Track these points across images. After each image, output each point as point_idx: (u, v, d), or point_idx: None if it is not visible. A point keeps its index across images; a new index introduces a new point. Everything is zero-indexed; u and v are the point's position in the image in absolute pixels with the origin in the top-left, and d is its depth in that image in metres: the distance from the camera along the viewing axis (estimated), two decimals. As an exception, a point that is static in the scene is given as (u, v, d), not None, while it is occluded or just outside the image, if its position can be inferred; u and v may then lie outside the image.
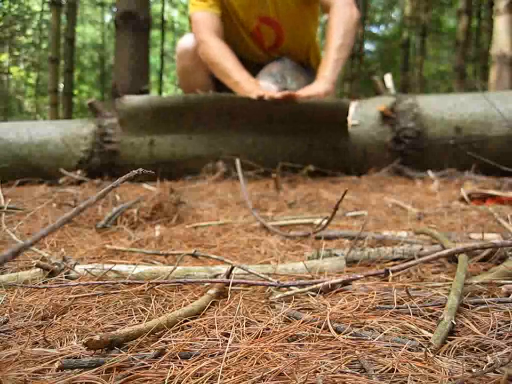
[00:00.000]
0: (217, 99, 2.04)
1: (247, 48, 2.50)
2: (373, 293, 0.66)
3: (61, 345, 0.54)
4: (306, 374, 0.44)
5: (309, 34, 2.45)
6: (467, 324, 0.56)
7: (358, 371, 0.45)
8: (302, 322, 0.57)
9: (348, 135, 2.10)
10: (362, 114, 2.17)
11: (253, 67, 2.52)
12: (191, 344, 0.53)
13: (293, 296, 0.67)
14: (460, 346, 0.50)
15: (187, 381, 0.45)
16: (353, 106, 2.19)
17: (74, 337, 0.56)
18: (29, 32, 10.76)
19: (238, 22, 2.38)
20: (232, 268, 0.73)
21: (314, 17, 2.43)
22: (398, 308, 0.61)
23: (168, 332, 0.56)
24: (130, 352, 0.51)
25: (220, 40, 2.21)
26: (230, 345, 0.51)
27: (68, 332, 0.58)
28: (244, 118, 2.06)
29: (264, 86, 2.18)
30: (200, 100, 2.04)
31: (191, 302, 0.65)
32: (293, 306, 0.64)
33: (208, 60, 2.21)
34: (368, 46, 14.56)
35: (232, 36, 2.48)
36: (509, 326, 0.55)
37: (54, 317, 0.63)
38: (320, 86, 2.01)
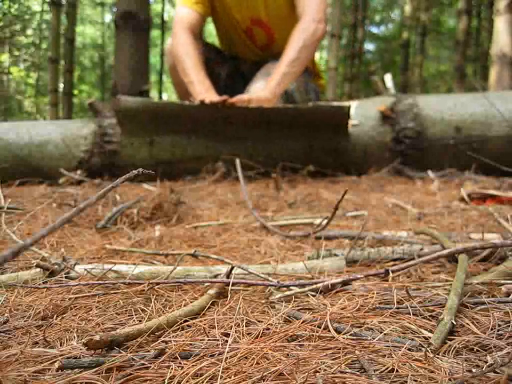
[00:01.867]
0: (212, 107, 2.03)
1: (244, 44, 2.52)
2: (373, 293, 0.66)
3: (61, 345, 0.54)
4: (306, 374, 0.44)
5: None
6: (467, 324, 0.56)
7: (358, 371, 0.45)
8: (302, 322, 0.57)
9: (348, 135, 2.10)
10: (362, 114, 2.17)
11: (250, 65, 2.54)
12: (191, 344, 0.53)
13: (293, 296, 0.67)
14: (460, 346, 0.50)
15: (187, 381, 0.45)
16: (353, 107, 2.19)
17: (74, 337, 0.56)
18: (29, 32, 10.75)
19: (233, 20, 2.41)
20: (232, 268, 0.73)
21: None
22: (398, 308, 0.61)
23: (168, 332, 0.56)
24: (130, 352, 0.51)
25: (190, 38, 2.23)
26: (230, 345, 0.51)
27: (68, 332, 0.58)
28: (241, 123, 2.05)
29: (261, 87, 2.19)
30: (195, 107, 2.01)
31: (191, 302, 0.65)
32: (293, 306, 0.64)
33: (174, 55, 2.25)
34: (368, 46, 14.56)
35: (229, 32, 2.50)
36: (509, 326, 0.55)
37: (54, 317, 0.63)
38: (261, 93, 2.05)
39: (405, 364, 0.46)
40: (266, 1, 2.31)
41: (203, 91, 2.06)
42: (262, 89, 2.08)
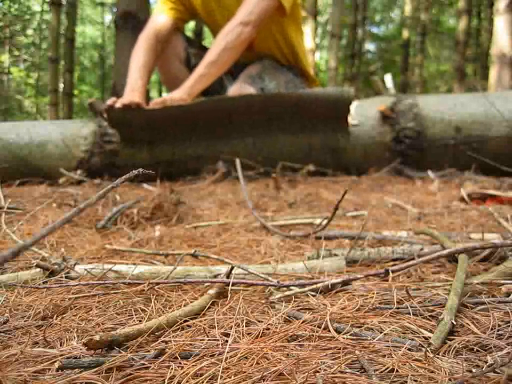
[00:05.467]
0: (212, 103, 2.02)
1: None
2: (373, 293, 0.66)
3: (61, 345, 0.54)
4: (306, 374, 0.44)
5: (285, 39, 2.46)
6: (467, 324, 0.56)
7: (358, 371, 0.45)
8: (302, 322, 0.57)
9: (349, 131, 2.10)
10: (362, 114, 2.17)
11: (239, 67, 2.55)
12: (191, 344, 0.52)
13: (293, 296, 0.67)
14: (460, 346, 0.50)
15: (187, 381, 0.45)
16: (353, 106, 2.19)
17: (74, 337, 0.56)
18: (29, 32, 10.75)
19: (216, 21, 2.44)
20: (232, 268, 0.73)
21: (290, 24, 2.43)
22: (398, 308, 0.61)
23: (168, 331, 0.56)
24: (130, 352, 0.51)
25: (148, 43, 2.29)
26: (230, 345, 0.51)
27: (68, 332, 0.58)
28: (243, 117, 2.05)
29: (240, 88, 2.21)
30: (194, 106, 2.00)
31: (191, 302, 0.65)
32: (293, 306, 0.64)
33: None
34: (368, 46, 14.55)
35: (217, 33, 2.52)
36: (509, 326, 0.55)
37: (54, 317, 0.63)
38: (175, 94, 2.06)
39: (405, 364, 0.46)
40: (239, 3, 2.32)
41: (128, 91, 2.10)
42: (177, 90, 2.09)
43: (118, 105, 1.99)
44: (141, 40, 2.32)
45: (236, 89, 2.22)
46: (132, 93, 2.08)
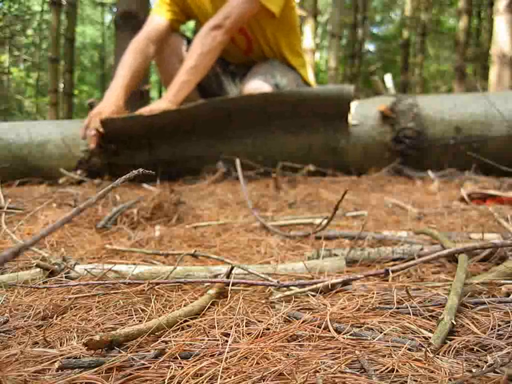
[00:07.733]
0: (211, 105, 2.02)
1: (229, 46, 2.54)
2: (373, 293, 0.66)
3: (61, 345, 0.54)
4: (306, 374, 0.44)
5: (281, 42, 2.47)
6: (467, 324, 0.56)
7: (358, 371, 0.45)
8: (302, 322, 0.57)
9: (349, 131, 2.10)
10: (362, 114, 2.17)
11: (240, 68, 2.56)
12: (191, 344, 0.52)
13: (293, 296, 0.67)
14: (460, 346, 0.50)
15: (187, 381, 0.45)
16: (353, 107, 2.19)
17: (74, 337, 0.56)
18: (29, 32, 10.76)
19: None
20: (232, 268, 0.73)
21: (285, 28, 2.44)
22: (398, 308, 0.61)
23: (168, 331, 0.56)
24: (130, 352, 0.51)
25: (137, 45, 2.30)
26: (230, 345, 0.51)
27: (68, 332, 0.58)
28: (243, 117, 2.05)
29: (256, 85, 2.22)
30: (194, 109, 2.00)
31: (191, 302, 0.65)
32: (293, 306, 0.64)
33: None
34: (368, 46, 14.56)
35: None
36: (509, 326, 0.55)
37: (54, 317, 0.63)
38: (161, 104, 2.08)
39: (405, 364, 0.46)
40: None
41: (105, 101, 2.13)
42: (161, 100, 2.11)
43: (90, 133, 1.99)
44: (131, 43, 2.32)
45: (252, 87, 2.22)
46: (107, 104, 2.09)
